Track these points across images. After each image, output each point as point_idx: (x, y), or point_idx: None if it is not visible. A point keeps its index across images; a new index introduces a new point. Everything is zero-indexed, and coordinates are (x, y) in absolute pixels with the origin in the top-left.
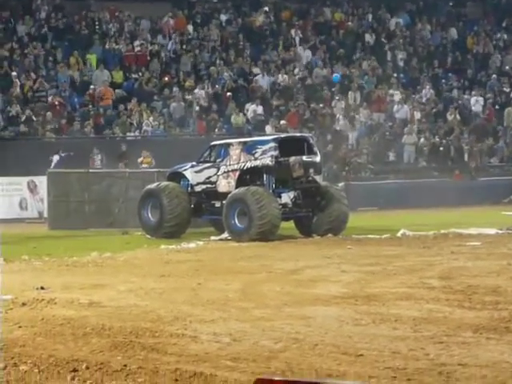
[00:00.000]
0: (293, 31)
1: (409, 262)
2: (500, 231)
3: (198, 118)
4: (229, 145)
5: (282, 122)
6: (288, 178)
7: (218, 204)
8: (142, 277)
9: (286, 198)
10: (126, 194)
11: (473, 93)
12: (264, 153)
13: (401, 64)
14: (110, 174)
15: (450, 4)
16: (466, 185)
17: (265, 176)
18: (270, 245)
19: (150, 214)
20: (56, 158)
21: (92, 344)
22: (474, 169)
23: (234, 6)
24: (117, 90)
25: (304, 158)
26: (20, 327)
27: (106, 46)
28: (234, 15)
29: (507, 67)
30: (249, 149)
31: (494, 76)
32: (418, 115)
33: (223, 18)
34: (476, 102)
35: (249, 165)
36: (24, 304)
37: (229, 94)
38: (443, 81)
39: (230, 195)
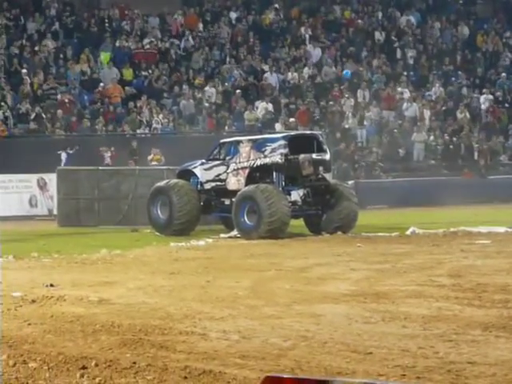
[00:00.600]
0: (302, 29)
1: (418, 260)
2: (510, 229)
3: (208, 115)
4: (238, 142)
5: (292, 119)
6: (297, 175)
7: (227, 201)
8: (152, 274)
9: (296, 195)
10: (135, 191)
11: (483, 91)
12: (274, 150)
13: (410, 62)
14: (119, 171)
15: (460, 2)
16: (476, 183)
17: (274, 174)
18: (280, 242)
19: (159, 212)
20: (64, 155)
21: (101, 341)
22: (483, 167)
23: (244, 3)
24: (127, 88)
25: (314, 155)
26: (29, 324)
27: (116, 44)
28: (243, 13)
29: None
30: (258, 146)
31: (504, 74)
32: (427, 113)
33: (233, 15)
34: (485, 100)
35: (258, 162)
36: (33, 301)
37: (238, 91)
38: (453, 79)
39: (239, 193)
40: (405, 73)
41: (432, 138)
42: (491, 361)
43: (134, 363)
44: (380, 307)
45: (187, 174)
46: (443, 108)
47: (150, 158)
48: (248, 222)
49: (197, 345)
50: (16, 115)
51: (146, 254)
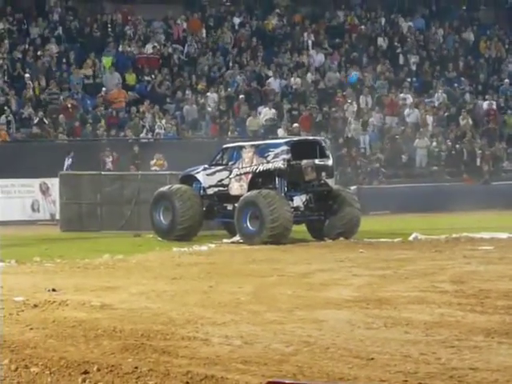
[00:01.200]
0: (305, 34)
1: (421, 265)
2: None
3: (211, 120)
4: (241, 148)
5: (295, 125)
6: (300, 181)
7: (230, 207)
8: (154, 279)
9: (298, 201)
10: (138, 196)
11: (485, 97)
12: (276, 156)
13: (413, 68)
14: (122, 176)
15: (463, 8)
16: (479, 189)
17: (277, 179)
18: (282, 248)
19: (162, 217)
20: (67, 160)
21: (103, 346)
22: (486, 173)
23: (247, 9)
24: (129, 93)
25: (316, 161)
26: (31, 329)
27: (119, 49)
28: (247, 18)
29: None
30: (261, 152)
31: (507, 80)
32: (430, 119)
33: (236, 20)
34: (486, 105)
35: (261, 168)
36: (35, 306)
37: (241, 96)
38: (456, 85)
39: (241, 198)
40: (408, 79)
41: (435, 143)
42: (493, 367)
43: (136, 368)
44: (382, 313)
45: (190, 180)
46: (446, 114)
47: (152, 163)
48: (250, 227)
49: (199, 350)
50: (19, 120)
51: (148, 259)
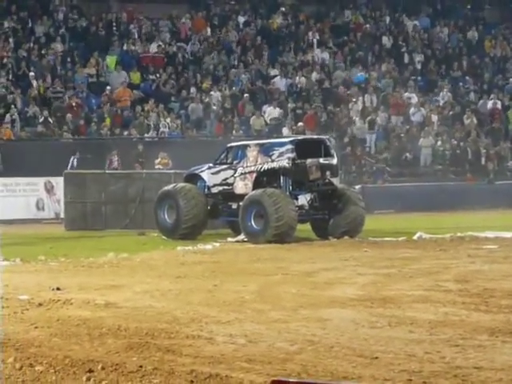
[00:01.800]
0: (310, 33)
1: (425, 264)
2: None
3: (216, 119)
4: (246, 146)
5: (300, 124)
6: (305, 180)
7: (234, 206)
8: (158, 278)
9: (303, 200)
10: (142, 195)
11: (491, 96)
12: (281, 155)
13: (418, 67)
14: (126, 175)
15: (468, 7)
16: (483, 188)
17: (282, 178)
18: (287, 247)
19: (166, 216)
20: (72, 160)
21: (108, 345)
22: (491, 172)
23: (252, 7)
24: (134, 91)
25: (321, 160)
26: (36, 328)
27: (124, 48)
28: (251, 17)
29: None
30: (266, 151)
31: None
32: (435, 118)
33: (241, 19)
34: (492, 106)
35: (266, 167)
36: (40, 304)
37: (246, 95)
38: (460, 84)
39: (246, 197)
40: (412, 78)
41: (439, 143)
42: (498, 366)
43: (141, 367)
44: (386, 312)
45: (194, 178)
46: (451, 113)
47: (157, 161)
48: (255, 226)
49: (203, 349)
50: (24, 118)
51: (152, 257)
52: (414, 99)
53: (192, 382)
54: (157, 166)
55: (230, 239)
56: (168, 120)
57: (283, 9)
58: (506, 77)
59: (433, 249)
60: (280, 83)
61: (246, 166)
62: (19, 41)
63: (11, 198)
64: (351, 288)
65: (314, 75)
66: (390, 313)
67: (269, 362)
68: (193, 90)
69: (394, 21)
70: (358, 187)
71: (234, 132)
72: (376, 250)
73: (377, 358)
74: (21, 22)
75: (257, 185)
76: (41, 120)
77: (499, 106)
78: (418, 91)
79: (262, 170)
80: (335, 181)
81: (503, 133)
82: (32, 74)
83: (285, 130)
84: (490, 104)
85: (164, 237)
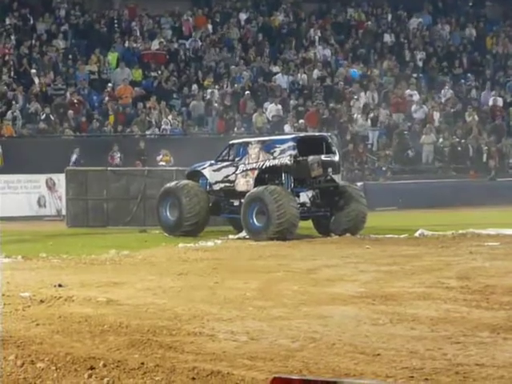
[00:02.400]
0: (312, 30)
1: (427, 261)
2: None
3: (218, 116)
4: (247, 143)
5: (301, 121)
6: (306, 177)
7: (236, 203)
8: (160, 275)
9: (305, 197)
10: (144, 192)
11: (492, 93)
12: (283, 152)
13: (420, 64)
14: (128, 172)
15: (469, 4)
16: (485, 185)
17: (283, 175)
18: (288, 244)
19: (168, 213)
20: (73, 156)
21: (109, 342)
22: (492, 169)
23: (254, 5)
24: (136, 88)
25: (322, 157)
26: (37, 325)
27: (126, 45)
28: (253, 14)
29: None
30: (267, 148)
31: None
32: (437, 115)
33: (243, 16)
34: (493, 103)
35: (267, 164)
36: (42, 301)
37: (247, 92)
38: (462, 81)
39: (248, 194)
40: (414, 75)
41: (441, 140)
42: (499, 363)
43: (142, 364)
44: (388, 309)
45: (196, 175)
46: (452, 110)
47: (159, 158)
48: (257, 223)
49: (205, 346)
50: (25, 115)
51: (154, 254)
52: (416, 96)
53: (194, 379)
54: (161, 163)
55: (231, 236)
56: (169, 117)
57: (285, 6)
58: (508, 74)
59: (434, 246)
60: (281, 80)
61: (248, 163)
62: (21, 38)
63: (13, 194)
64: (353, 285)
65: (316, 72)
66: (391, 310)
67: (270, 359)
68: (194, 87)
69: (396, 18)
70: (359, 184)
71: (235, 129)
72: (378, 247)
73: (378, 354)
74: (22, 19)
75: (258, 182)
76: (42, 117)
77: (500, 103)
78: (420, 88)
79: (264, 167)
80: (337, 178)
81: (505, 130)
82: (34, 71)
83: (286, 128)
84: (491, 101)
85: (166, 234)
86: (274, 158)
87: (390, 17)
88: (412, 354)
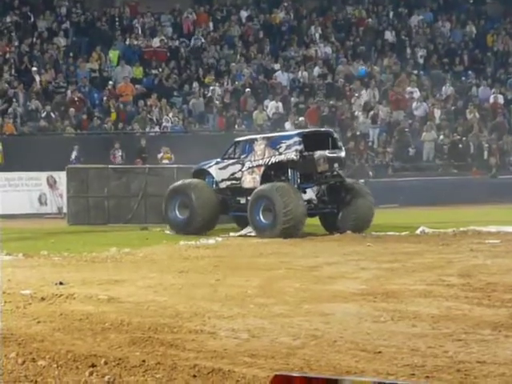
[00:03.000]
0: (313, 28)
1: (428, 259)
2: None
3: (219, 113)
4: (253, 140)
5: (301, 118)
6: (313, 172)
7: (243, 200)
8: (161, 272)
9: (311, 193)
10: (145, 189)
11: (492, 90)
12: (288, 147)
13: (421, 61)
14: (129, 169)
15: (470, 2)
16: (486, 182)
17: (290, 171)
18: (290, 241)
19: (177, 212)
20: (73, 154)
21: (110, 339)
22: (493, 166)
23: (255, 2)
24: (136, 86)
25: (328, 152)
26: (39, 322)
27: (127, 42)
28: (254, 12)
29: None
30: (273, 144)
31: None
32: (437, 112)
33: (244, 14)
34: (494, 100)
35: (273, 160)
36: (43, 299)
37: (248, 90)
38: (463, 78)
39: (254, 191)
40: (415, 72)
41: (442, 137)
42: (500, 360)
43: (143, 361)
44: (389, 306)
45: (202, 174)
46: (453, 107)
47: (160, 156)
48: (263, 220)
49: (206, 343)
50: (26, 113)
51: (155, 252)
52: (417, 94)
53: (195, 376)
54: (163, 161)
55: (232, 234)
56: (170, 115)
57: (285, 3)
58: (509, 71)
59: (435, 243)
60: (282, 78)
61: (254, 160)
62: (22, 35)
63: (14, 192)
64: (354, 282)
65: (317, 70)
66: (392, 307)
67: (272, 357)
68: (195, 84)
69: (397, 15)
70: (361, 182)
71: (236, 126)
72: (379, 245)
73: (380, 352)
74: (23, 17)
75: (265, 178)
76: (43, 114)
77: (501, 100)
78: (421, 85)
79: (270, 163)
80: (342, 173)
81: (506, 127)
82: (34, 68)
83: (287, 125)
84: (491, 98)
85: (170, 232)
86: (280, 154)
87: (391, 14)
88: (413, 351)
